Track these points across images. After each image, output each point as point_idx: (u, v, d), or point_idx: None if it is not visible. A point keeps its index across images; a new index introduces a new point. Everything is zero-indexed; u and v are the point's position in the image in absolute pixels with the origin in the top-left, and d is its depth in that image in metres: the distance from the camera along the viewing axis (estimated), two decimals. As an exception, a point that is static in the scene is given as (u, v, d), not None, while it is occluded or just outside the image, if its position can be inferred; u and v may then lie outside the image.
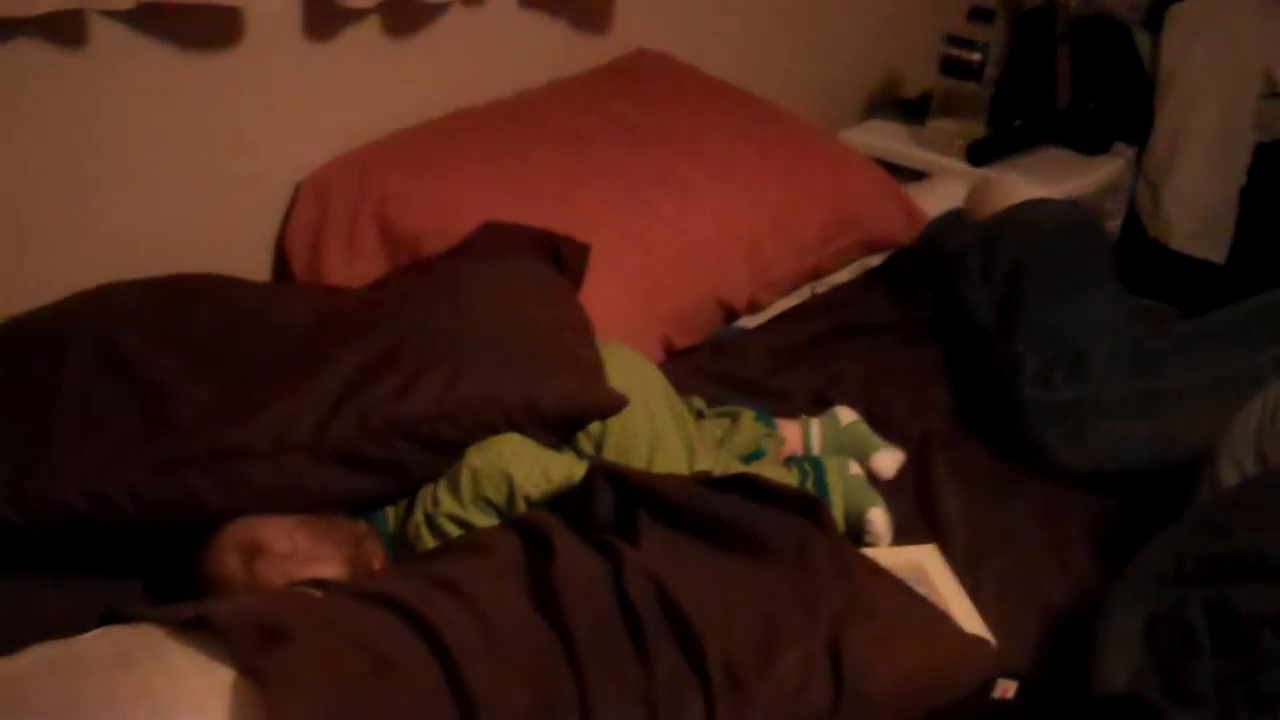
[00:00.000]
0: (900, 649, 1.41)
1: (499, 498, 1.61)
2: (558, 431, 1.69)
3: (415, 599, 1.30)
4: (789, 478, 1.81)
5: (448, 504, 1.62)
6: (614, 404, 1.69)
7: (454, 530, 1.62)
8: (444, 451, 1.63)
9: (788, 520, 1.50)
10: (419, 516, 1.62)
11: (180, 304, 1.79)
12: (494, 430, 1.64)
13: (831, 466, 1.84)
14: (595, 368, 1.74)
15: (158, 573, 1.61)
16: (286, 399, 1.61)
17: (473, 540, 1.51)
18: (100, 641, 1.21)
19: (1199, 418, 1.88)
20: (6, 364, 1.69)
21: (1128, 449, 1.96)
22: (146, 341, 1.69)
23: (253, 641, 1.17)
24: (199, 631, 1.20)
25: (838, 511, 1.78)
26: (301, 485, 1.59)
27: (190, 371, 1.65)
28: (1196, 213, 3.17)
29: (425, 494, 1.64)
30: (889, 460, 1.93)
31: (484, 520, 1.63)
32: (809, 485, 1.81)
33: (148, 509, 1.56)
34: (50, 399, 1.62)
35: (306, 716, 1.13)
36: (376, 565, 1.60)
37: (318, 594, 1.34)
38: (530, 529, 1.47)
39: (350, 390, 1.62)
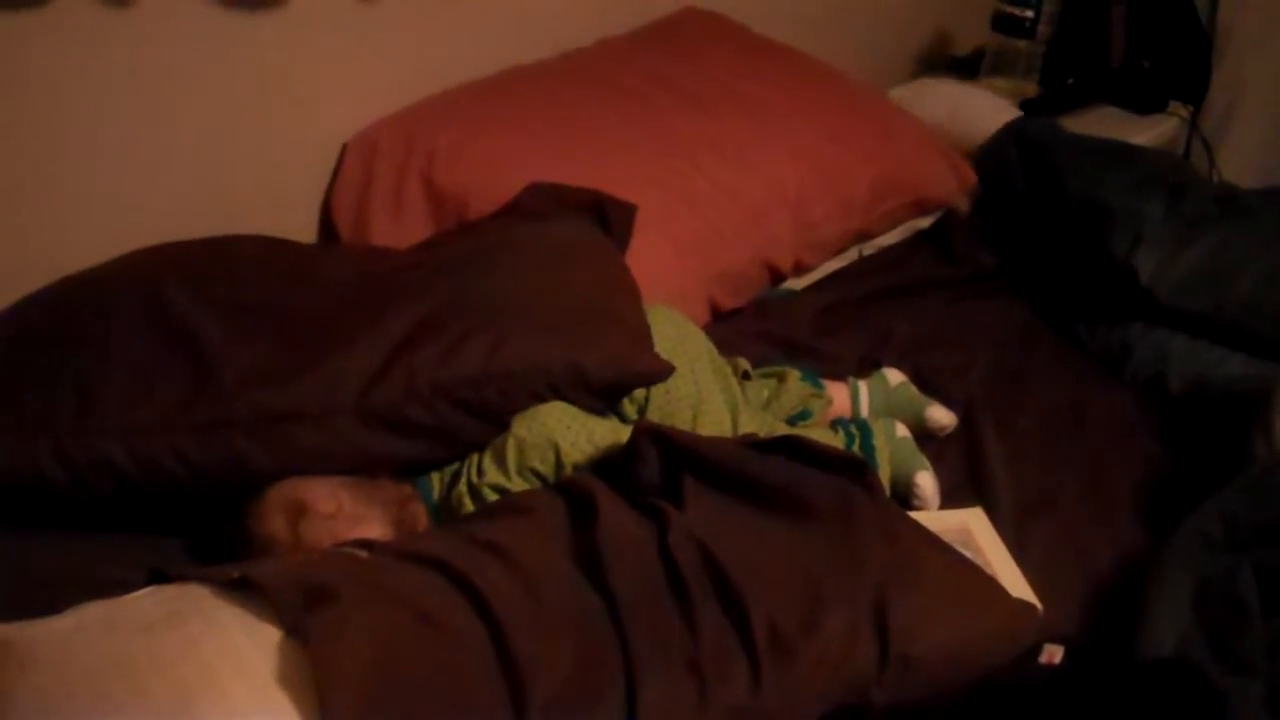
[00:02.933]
0: (947, 614, 1.40)
1: (545, 467, 1.61)
2: (603, 398, 1.69)
3: (460, 561, 1.30)
4: (835, 441, 1.80)
5: (492, 474, 1.61)
6: (660, 371, 1.69)
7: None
8: (488, 418, 1.63)
9: (832, 482, 1.49)
10: (463, 487, 1.62)
11: (228, 265, 1.80)
12: (538, 397, 1.64)
13: (878, 429, 1.83)
14: (642, 333, 1.74)
15: (203, 533, 1.63)
16: (332, 362, 1.61)
17: (517, 502, 1.51)
18: (146, 602, 1.22)
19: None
20: (55, 322, 1.70)
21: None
22: (193, 302, 1.69)
23: (298, 601, 1.18)
24: (245, 592, 1.21)
25: (884, 474, 1.77)
26: (347, 448, 1.59)
27: (237, 332, 1.65)
28: (1252, 171, 3.12)
29: (470, 464, 1.64)
30: (943, 412, 1.93)
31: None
32: (855, 448, 1.80)
33: (194, 470, 1.57)
34: (97, 359, 1.64)
35: (353, 675, 1.14)
36: (419, 528, 1.61)
37: (363, 555, 1.35)
38: (574, 491, 1.47)
39: (396, 354, 1.62)
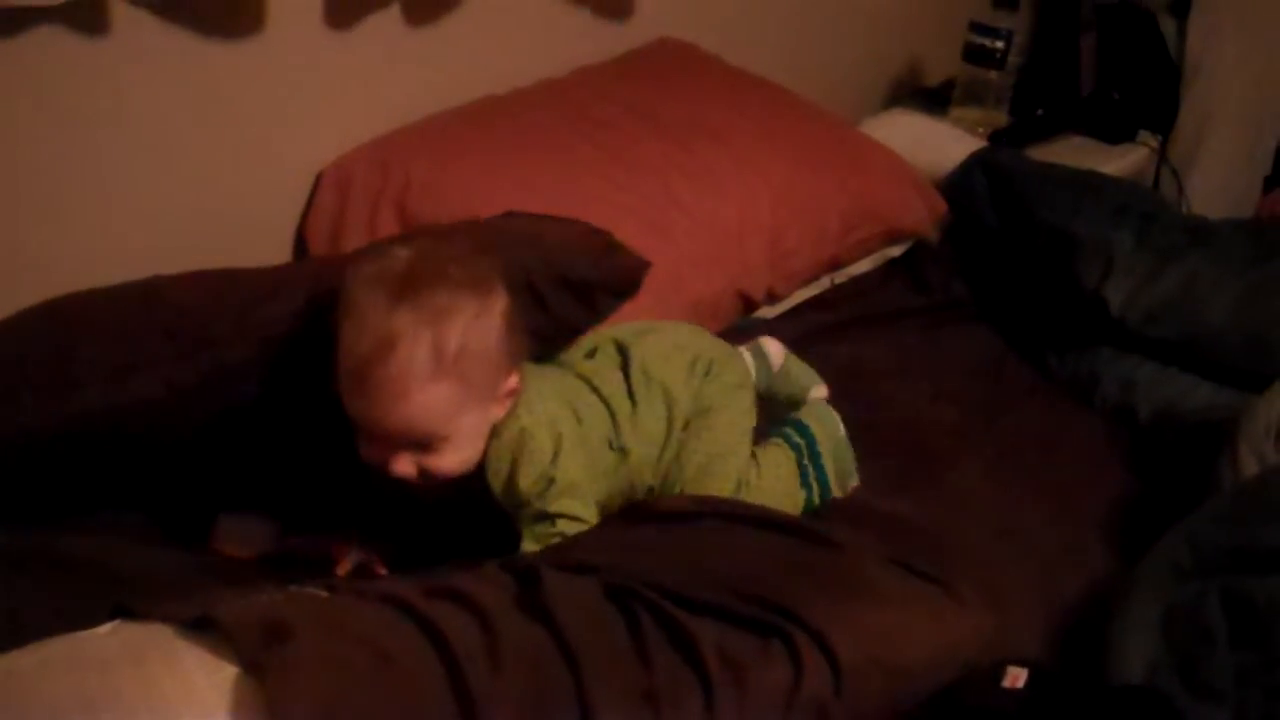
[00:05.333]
0: (899, 626, 1.41)
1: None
2: (583, 298, 1.68)
3: (418, 599, 1.31)
4: (784, 454, 1.82)
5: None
6: (637, 265, 1.69)
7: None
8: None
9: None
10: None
11: None
12: (513, 288, 1.61)
13: (818, 428, 1.86)
14: (615, 241, 1.74)
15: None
16: (304, 271, 1.64)
17: (466, 565, 1.51)
18: (109, 639, 1.22)
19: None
20: (31, 331, 1.69)
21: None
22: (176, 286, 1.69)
23: (256, 640, 1.18)
24: (206, 630, 1.21)
25: (830, 473, 1.83)
26: None
27: (205, 290, 1.65)
28: (1221, 201, 3.15)
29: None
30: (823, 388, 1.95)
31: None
32: (805, 460, 1.82)
33: (187, 396, 1.56)
34: (74, 329, 1.62)
35: (306, 711, 1.14)
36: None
37: (324, 595, 1.35)
38: (514, 563, 1.49)
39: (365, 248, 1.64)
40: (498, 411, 1.56)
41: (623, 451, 1.68)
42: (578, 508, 1.60)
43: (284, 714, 1.13)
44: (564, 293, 1.66)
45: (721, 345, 1.86)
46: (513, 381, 1.56)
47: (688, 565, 1.46)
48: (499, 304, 1.51)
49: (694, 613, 1.36)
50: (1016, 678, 1.40)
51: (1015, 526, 1.84)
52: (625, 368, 1.73)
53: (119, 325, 1.62)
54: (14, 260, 1.85)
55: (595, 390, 1.70)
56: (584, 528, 1.60)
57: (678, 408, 1.73)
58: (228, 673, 1.17)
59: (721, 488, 1.70)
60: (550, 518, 1.58)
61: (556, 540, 1.58)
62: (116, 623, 1.26)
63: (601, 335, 1.77)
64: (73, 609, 1.34)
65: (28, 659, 1.20)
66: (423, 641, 1.26)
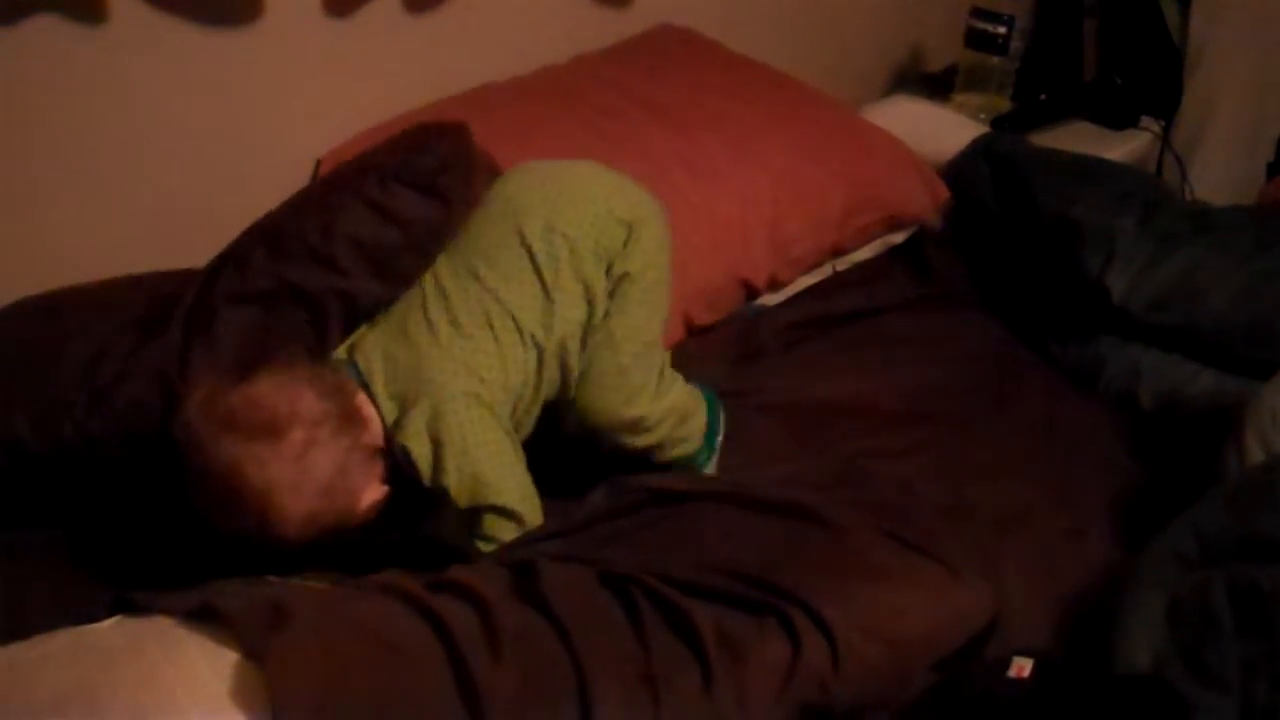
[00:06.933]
0: (895, 600, 1.42)
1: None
2: (411, 185, 1.67)
3: (419, 591, 1.32)
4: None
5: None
6: (452, 132, 1.68)
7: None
8: (325, 263, 1.63)
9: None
10: None
11: None
12: (366, 205, 1.62)
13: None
14: (430, 121, 1.74)
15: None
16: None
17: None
18: (111, 631, 1.23)
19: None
20: (17, 335, 1.72)
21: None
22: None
23: (258, 627, 1.19)
24: (208, 620, 1.21)
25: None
26: (232, 338, 1.61)
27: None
28: (1224, 187, 3.14)
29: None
30: None
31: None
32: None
33: (91, 439, 1.58)
34: (51, 359, 1.65)
35: (307, 696, 1.15)
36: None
37: (323, 586, 1.36)
38: (509, 557, 1.49)
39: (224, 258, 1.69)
40: (371, 438, 1.57)
41: (538, 348, 1.67)
42: (491, 495, 1.59)
43: (285, 699, 1.14)
44: (402, 192, 1.64)
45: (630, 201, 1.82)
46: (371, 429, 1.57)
47: (685, 549, 1.46)
48: (306, 430, 1.50)
49: (690, 595, 1.36)
50: (1022, 668, 1.40)
51: (1019, 514, 1.84)
52: (535, 262, 1.69)
53: (102, 338, 1.65)
54: (12, 249, 1.84)
55: (499, 300, 1.66)
56: (514, 525, 1.59)
57: (596, 288, 1.72)
58: (230, 659, 1.18)
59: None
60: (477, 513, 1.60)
61: (494, 532, 1.59)
62: (119, 617, 1.26)
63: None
64: (77, 603, 1.34)
65: (31, 651, 1.20)
66: (424, 629, 1.26)
